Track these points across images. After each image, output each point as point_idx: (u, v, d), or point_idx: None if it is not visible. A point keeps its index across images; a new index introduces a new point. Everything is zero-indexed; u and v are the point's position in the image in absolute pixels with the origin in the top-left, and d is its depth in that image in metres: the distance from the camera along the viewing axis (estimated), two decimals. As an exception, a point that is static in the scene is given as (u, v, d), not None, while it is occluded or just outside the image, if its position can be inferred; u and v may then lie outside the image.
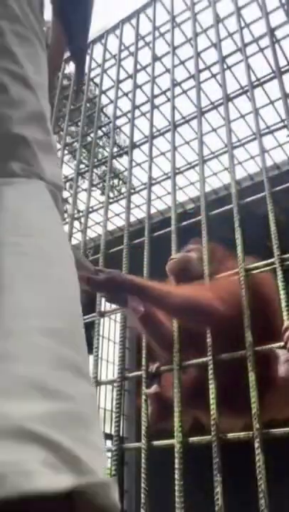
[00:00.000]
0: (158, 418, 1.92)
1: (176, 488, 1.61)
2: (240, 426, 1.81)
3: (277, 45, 2.44)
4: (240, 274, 1.81)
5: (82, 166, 3.07)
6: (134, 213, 3.74)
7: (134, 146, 2.71)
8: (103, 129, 3.46)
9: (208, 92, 2.83)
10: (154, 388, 1.95)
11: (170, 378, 1.87)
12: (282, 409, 1.83)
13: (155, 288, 1.76)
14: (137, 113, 2.92)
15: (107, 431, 3.88)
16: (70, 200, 3.25)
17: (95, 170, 3.38)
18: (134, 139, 2.71)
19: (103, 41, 3.13)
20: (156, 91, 2.80)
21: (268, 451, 1.50)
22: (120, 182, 4.35)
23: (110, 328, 4.31)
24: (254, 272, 1.81)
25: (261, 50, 2.64)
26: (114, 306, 2.11)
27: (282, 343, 1.58)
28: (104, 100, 3.19)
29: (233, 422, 1.87)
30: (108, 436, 3.58)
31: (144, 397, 1.88)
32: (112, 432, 1.95)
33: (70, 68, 3.53)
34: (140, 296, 1.78)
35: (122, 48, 3.01)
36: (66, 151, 3.31)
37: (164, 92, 2.84)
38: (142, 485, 1.70)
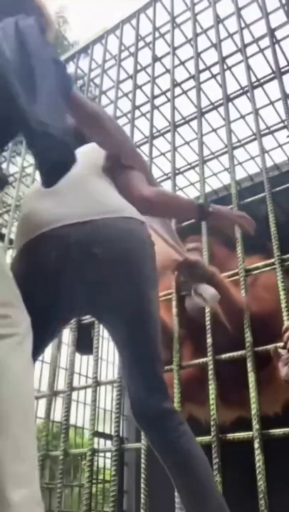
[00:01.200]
0: None
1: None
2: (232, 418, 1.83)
3: (277, 46, 2.45)
4: (240, 275, 1.82)
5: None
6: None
7: (134, 146, 2.71)
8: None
9: (209, 93, 2.83)
10: None
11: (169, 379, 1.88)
12: (272, 405, 1.85)
13: (229, 290, 1.83)
14: (137, 113, 2.92)
15: (107, 431, 3.88)
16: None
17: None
18: (134, 139, 2.70)
19: (103, 42, 3.13)
20: (157, 91, 2.81)
21: (267, 451, 1.51)
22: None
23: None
24: (254, 272, 1.82)
25: (261, 50, 2.64)
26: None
27: (282, 344, 1.58)
28: (104, 101, 3.19)
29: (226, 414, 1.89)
30: (108, 437, 3.58)
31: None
32: (112, 432, 1.95)
33: (70, 70, 3.54)
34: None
35: (122, 48, 3.02)
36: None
37: (164, 93, 2.84)
38: (142, 485, 1.70)
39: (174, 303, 1.97)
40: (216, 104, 2.74)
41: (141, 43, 2.96)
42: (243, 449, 1.59)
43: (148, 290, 1.31)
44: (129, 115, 2.87)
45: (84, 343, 2.32)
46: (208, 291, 1.70)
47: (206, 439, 1.63)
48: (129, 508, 3.93)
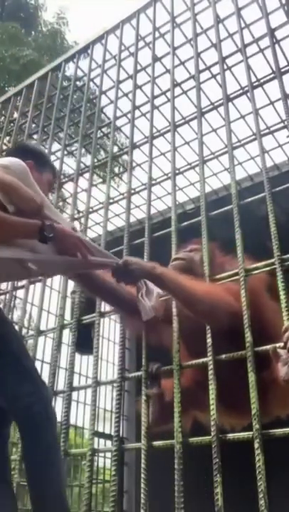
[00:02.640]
0: (158, 420, 1.92)
1: (176, 488, 1.61)
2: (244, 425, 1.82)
3: (277, 46, 2.45)
4: (240, 275, 1.82)
5: (81, 166, 3.06)
6: (135, 214, 3.74)
7: (134, 146, 2.71)
8: (103, 129, 3.46)
9: (209, 93, 2.83)
10: (155, 390, 1.95)
11: (169, 381, 1.88)
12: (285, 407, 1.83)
13: (178, 280, 1.77)
14: (137, 113, 2.93)
15: (107, 431, 3.88)
16: (70, 200, 3.25)
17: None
18: (134, 139, 2.71)
19: (103, 42, 3.13)
20: (157, 91, 2.81)
21: (268, 450, 1.51)
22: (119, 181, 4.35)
23: (110, 328, 4.31)
24: (254, 272, 1.81)
25: (261, 50, 2.64)
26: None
27: (282, 344, 1.58)
28: (104, 101, 3.20)
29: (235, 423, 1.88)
30: (108, 437, 3.58)
31: (144, 397, 1.88)
32: (112, 432, 1.95)
33: (70, 70, 3.54)
34: (161, 285, 1.79)
35: (122, 48, 3.01)
36: (66, 152, 3.31)
37: (164, 93, 2.84)
38: (142, 485, 1.70)
39: (174, 303, 1.97)
40: (216, 104, 2.74)
41: (141, 43, 2.96)
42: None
43: None
44: (129, 115, 2.87)
45: (84, 343, 2.32)
46: (144, 309, 1.69)
47: (206, 439, 1.63)
48: (129, 508, 3.93)
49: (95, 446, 2.12)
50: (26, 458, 1.61)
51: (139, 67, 2.93)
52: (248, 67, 2.39)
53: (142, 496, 1.68)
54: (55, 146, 3.45)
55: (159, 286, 1.79)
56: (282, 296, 1.66)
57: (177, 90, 2.80)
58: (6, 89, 9.50)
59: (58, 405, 2.79)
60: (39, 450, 1.57)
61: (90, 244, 1.70)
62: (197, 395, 1.88)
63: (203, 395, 1.73)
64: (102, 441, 3.93)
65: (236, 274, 1.83)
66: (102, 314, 2.21)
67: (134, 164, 2.94)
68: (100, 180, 4.05)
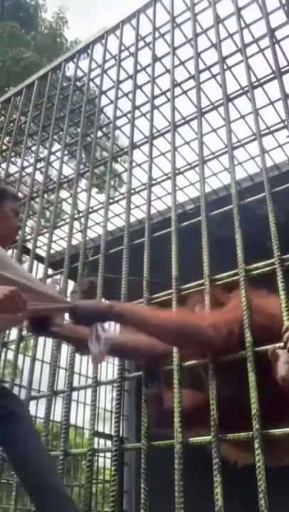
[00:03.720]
0: (156, 420, 1.91)
1: (176, 488, 1.61)
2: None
3: (277, 46, 2.45)
4: (240, 275, 1.82)
5: (81, 166, 3.07)
6: (134, 214, 3.74)
7: (134, 146, 2.71)
8: (103, 129, 3.46)
9: (209, 93, 2.83)
10: (153, 389, 1.95)
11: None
12: None
13: (140, 313, 1.75)
14: (137, 113, 2.92)
15: (107, 431, 3.88)
16: (70, 200, 3.25)
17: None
18: (134, 139, 2.71)
19: (103, 42, 3.13)
20: (157, 91, 2.80)
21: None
22: (119, 181, 4.35)
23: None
24: (254, 272, 1.81)
25: (261, 50, 2.64)
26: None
27: (282, 344, 1.58)
28: (104, 101, 3.20)
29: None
30: (108, 437, 3.58)
31: (143, 397, 1.88)
32: (112, 432, 1.95)
33: (70, 70, 3.54)
34: (122, 323, 1.77)
35: (122, 48, 3.01)
36: (66, 152, 3.31)
37: (164, 93, 2.84)
38: (142, 485, 1.70)
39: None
40: (216, 104, 2.74)
41: (141, 43, 2.96)
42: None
43: None
44: (129, 115, 2.87)
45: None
46: (93, 354, 1.67)
47: (206, 439, 1.63)
48: (129, 508, 3.94)
49: (95, 446, 2.12)
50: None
51: (139, 67, 2.93)
52: (248, 67, 2.39)
53: (142, 495, 1.68)
54: (55, 146, 3.46)
55: (121, 324, 1.77)
56: (282, 296, 1.66)
57: (177, 90, 2.80)
58: (6, 89, 9.52)
59: (58, 405, 2.81)
60: (14, 455, 1.64)
61: (37, 292, 1.63)
62: (200, 414, 1.85)
63: (205, 413, 1.71)
64: (102, 441, 3.94)
65: (236, 274, 1.84)
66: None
67: (134, 164, 2.94)
68: (100, 181, 4.05)
